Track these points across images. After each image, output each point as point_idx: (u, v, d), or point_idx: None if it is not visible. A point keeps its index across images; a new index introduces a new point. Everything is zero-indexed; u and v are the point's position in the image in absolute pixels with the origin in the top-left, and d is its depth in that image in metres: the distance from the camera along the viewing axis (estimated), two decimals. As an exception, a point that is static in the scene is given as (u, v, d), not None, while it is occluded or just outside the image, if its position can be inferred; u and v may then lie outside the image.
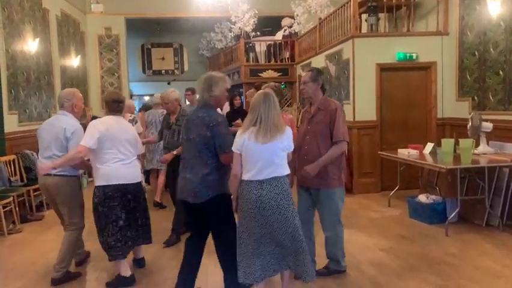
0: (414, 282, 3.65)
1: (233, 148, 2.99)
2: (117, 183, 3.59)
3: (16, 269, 4.16)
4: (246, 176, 2.96)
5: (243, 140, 2.93)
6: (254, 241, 2.97)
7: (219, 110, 5.05)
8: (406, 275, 3.81)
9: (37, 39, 7.73)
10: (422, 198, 5.46)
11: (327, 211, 3.72)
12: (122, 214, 3.63)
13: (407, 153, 5.76)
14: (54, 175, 3.72)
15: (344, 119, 3.65)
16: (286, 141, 2.96)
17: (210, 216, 3.18)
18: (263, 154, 2.89)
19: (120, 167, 3.62)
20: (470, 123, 5.57)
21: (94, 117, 10.61)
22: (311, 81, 3.69)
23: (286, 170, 3.00)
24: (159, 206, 6.33)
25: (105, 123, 3.64)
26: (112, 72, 11.80)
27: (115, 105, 3.76)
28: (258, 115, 2.92)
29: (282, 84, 11.32)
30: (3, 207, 5.27)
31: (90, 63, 11.49)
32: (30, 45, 7.50)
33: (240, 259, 3.01)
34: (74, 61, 10.14)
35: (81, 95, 4.01)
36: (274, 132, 2.89)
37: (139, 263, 4.14)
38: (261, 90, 3.07)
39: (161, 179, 6.42)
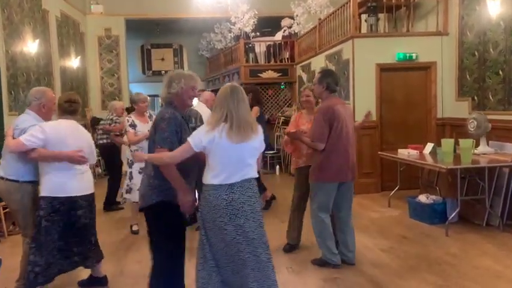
0: (415, 282, 3.65)
1: (191, 140, 2.61)
2: (66, 195, 3.25)
3: (17, 270, 4.15)
4: (214, 180, 2.63)
5: (213, 137, 2.57)
6: (218, 256, 2.68)
7: (204, 107, 5.04)
8: (406, 275, 3.81)
9: (37, 40, 7.73)
10: (422, 198, 5.46)
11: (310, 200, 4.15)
12: (58, 233, 3.26)
13: (407, 153, 5.76)
14: (6, 179, 3.41)
15: (319, 122, 3.83)
16: (259, 141, 2.73)
17: (150, 223, 2.94)
18: (236, 154, 2.61)
19: (71, 178, 3.28)
20: (474, 124, 5.56)
21: (94, 118, 10.72)
22: (317, 82, 4.00)
23: (256, 173, 2.75)
24: None
25: (54, 128, 3.30)
26: (111, 73, 11.80)
27: (66, 106, 3.40)
28: (226, 111, 2.60)
29: (282, 85, 11.34)
30: (3, 209, 5.28)
31: (90, 64, 11.49)
32: (30, 46, 7.50)
33: (199, 273, 2.72)
34: (74, 62, 10.14)
35: (54, 95, 3.60)
36: (248, 130, 2.61)
37: (100, 282, 3.69)
38: (228, 83, 2.78)
39: None
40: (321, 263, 4.04)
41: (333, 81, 3.95)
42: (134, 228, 5.32)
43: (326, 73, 4.07)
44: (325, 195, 3.95)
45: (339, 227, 4.07)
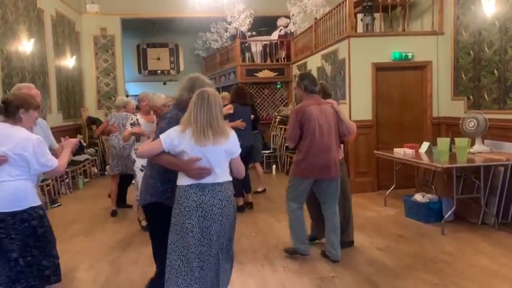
0: (411, 281, 3.66)
1: (162, 139, 2.60)
2: None
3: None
4: (185, 181, 2.62)
5: (182, 139, 2.59)
6: (188, 261, 2.60)
7: None
8: (403, 274, 3.82)
9: (32, 40, 7.70)
10: (418, 197, 5.47)
11: None
12: None
13: (403, 152, 5.78)
14: None
15: (291, 122, 4.11)
16: (231, 144, 2.68)
17: (147, 220, 3.05)
18: (205, 157, 2.60)
19: None
20: (475, 123, 5.57)
21: (90, 118, 10.69)
22: (296, 86, 4.27)
23: (229, 177, 2.73)
24: None
25: None
26: (107, 72, 11.78)
27: None
28: (192, 114, 2.61)
29: (278, 84, 11.34)
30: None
31: (85, 64, 11.46)
32: (25, 45, 7.47)
33: (169, 282, 2.63)
34: (69, 61, 10.11)
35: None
36: (214, 134, 2.60)
37: None
38: (200, 89, 2.72)
39: None
40: (291, 251, 4.26)
41: (310, 82, 4.15)
42: (143, 223, 5.19)
43: (302, 76, 4.30)
44: (296, 189, 4.18)
45: (325, 224, 4.20)
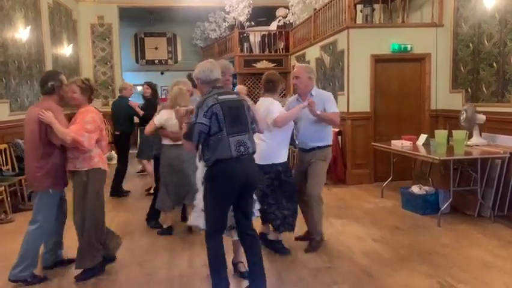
0: (407, 272, 3.68)
1: None
2: None
3: (8, 259, 4.12)
4: None
5: None
6: None
7: None
8: (398, 265, 3.83)
9: (28, 27, 7.61)
10: (415, 189, 5.48)
11: None
12: None
13: (400, 144, 5.78)
14: None
15: None
16: None
17: None
18: None
19: None
20: (464, 115, 5.58)
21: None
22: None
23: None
24: None
25: None
26: (104, 61, 11.69)
27: None
28: None
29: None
30: (-5, 197, 5.24)
31: (82, 52, 11.37)
32: (22, 33, 7.38)
33: None
34: (66, 50, 10.02)
35: None
36: None
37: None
38: None
39: None
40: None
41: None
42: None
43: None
44: None
45: None
